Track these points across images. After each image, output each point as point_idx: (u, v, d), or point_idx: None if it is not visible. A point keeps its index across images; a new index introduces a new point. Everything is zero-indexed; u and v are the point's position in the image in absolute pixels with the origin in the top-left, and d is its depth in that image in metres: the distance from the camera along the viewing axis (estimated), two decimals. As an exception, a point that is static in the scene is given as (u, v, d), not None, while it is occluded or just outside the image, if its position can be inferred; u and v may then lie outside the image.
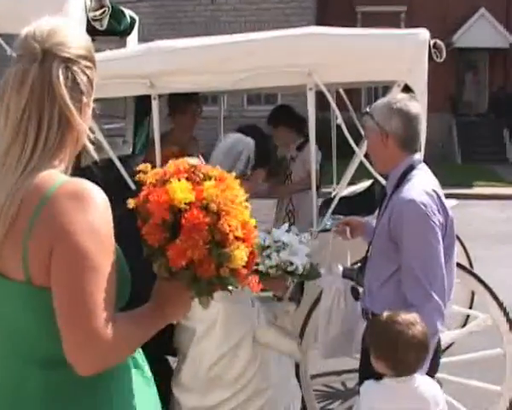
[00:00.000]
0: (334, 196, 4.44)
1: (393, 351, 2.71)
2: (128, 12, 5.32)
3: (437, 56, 4.08)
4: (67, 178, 1.73)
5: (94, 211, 1.66)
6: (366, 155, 3.85)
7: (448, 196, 3.33)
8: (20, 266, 1.65)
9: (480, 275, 4.27)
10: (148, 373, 2.02)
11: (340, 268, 3.82)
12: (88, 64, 1.81)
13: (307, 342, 4.22)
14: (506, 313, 4.14)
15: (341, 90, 5.75)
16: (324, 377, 5.34)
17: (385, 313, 2.80)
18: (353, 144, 4.20)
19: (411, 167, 3.20)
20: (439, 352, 3.27)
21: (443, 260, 3.05)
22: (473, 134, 24.17)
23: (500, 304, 4.15)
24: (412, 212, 3.02)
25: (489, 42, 24.95)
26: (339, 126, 4.28)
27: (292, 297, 4.40)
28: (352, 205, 4.97)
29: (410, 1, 24.62)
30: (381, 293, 3.21)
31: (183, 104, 5.07)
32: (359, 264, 3.71)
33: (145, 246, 1.79)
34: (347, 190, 5.47)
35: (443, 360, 3.67)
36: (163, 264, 1.76)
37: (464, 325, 5.36)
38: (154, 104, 4.22)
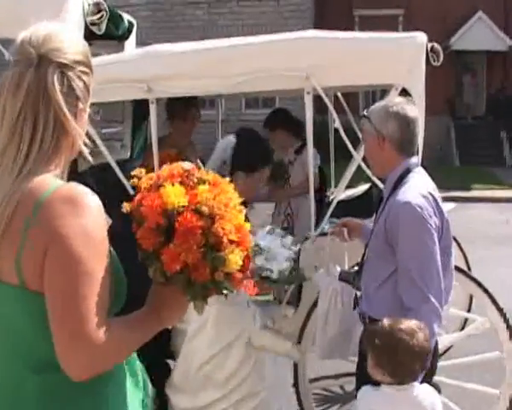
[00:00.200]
0: (332, 200, 4.44)
1: (397, 361, 2.68)
2: (126, 16, 5.32)
3: (434, 60, 4.09)
4: (62, 182, 1.74)
5: (88, 215, 1.66)
6: (364, 159, 3.86)
7: (446, 198, 3.34)
8: (14, 270, 1.66)
9: (479, 277, 4.27)
10: (141, 381, 2.03)
11: (338, 269, 3.82)
12: (84, 70, 1.81)
13: (306, 346, 4.22)
14: (504, 316, 4.14)
15: (339, 94, 5.75)
16: (323, 381, 5.34)
17: (386, 321, 2.77)
18: (351, 148, 4.21)
19: (408, 171, 3.20)
20: (436, 355, 3.27)
21: (439, 262, 3.05)
22: (471, 137, 24.19)
23: (498, 307, 4.15)
24: (408, 214, 3.03)
25: (487, 45, 24.99)
26: (337, 130, 4.29)
27: (290, 301, 4.41)
28: (349, 208, 4.96)
29: (408, 4, 24.65)
30: (378, 296, 3.22)
31: (183, 110, 5.07)
32: (356, 267, 3.71)
33: (140, 250, 1.80)
34: (345, 194, 5.47)
35: (441, 363, 3.67)
36: (158, 268, 1.77)
37: (463, 328, 5.36)
38: (152, 108, 4.22)
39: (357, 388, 3.49)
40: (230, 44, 4.32)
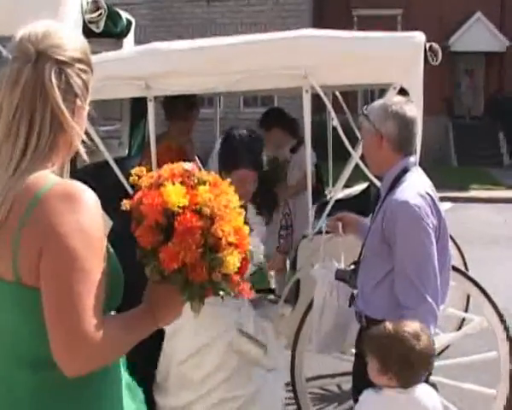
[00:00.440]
0: (330, 199, 4.44)
1: (406, 364, 2.62)
2: (124, 14, 5.32)
3: (433, 59, 4.09)
4: (59, 179, 1.73)
5: (84, 212, 1.66)
6: (362, 158, 3.86)
7: (444, 198, 3.34)
8: (10, 266, 1.65)
9: (476, 277, 4.27)
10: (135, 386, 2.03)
11: (335, 263, 3.81)
12: (83, 67, 1.80)
13: (302, 344, 4.22)
14: (501, 316, 4.14)
15: (337, 93, 5.75)
16: (320, 380, 5.35)
17: (388, 324, 2.72)
18: (349, 146, 4.21)
19: (405, 170, 3.20)
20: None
21: (436, 262, 3.05)
22: (469, 137, 24.20)
23: (495, 307, 4.15)
24: (405, 214, 3.02)
25: (485, 46, 25.03)
26: (335, 129, 4.28)
27: (287, 299, 4.41)
28: (347, 207, 4.96)
29: (407, 4, 24.66)
30: (375, 295, 3.21)
31: (184, 110, 5.07)
32: (353, 266, 3.71)
33: (138, 248, 1.80)
34: (343, 193, 5.47)
35: (438, 363, 3.67)
36: (155, 266, 1.77)
37: (460, 327, 5.37)
38: (150, 106, 4.22)
39: (354, 387, 3.50)
40: (229, 42, 4.31)
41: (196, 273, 1.74)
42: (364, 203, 5.04)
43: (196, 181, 1.86)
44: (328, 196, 5.53)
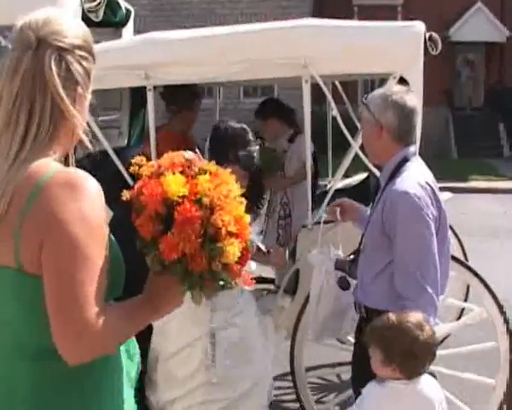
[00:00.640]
0: (329, 189, 4.44)
1: (410, 355, 2.61)
2: (123, 3, 5.31)
3: (432, 49, 4.08)
4: (61, 167, 1.72)
5: (86, 200, 1.65)
6: (362, 148, 3.85)
7: (444, 189, 3.33)
8: (12, 253, 1.65)
9: (475, 268, 4.27)
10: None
11: (332, 248, 3.80)
12: (84, 54, 1.78)
13: (302, 334, 4.22)
14: (500, 306, 4.14)
15: (337, 83, 5.74)
16: (319, 370, 5.36)
17: (391, 315, 2.71)
18: (349, 136, 4.20)
19: (405, 160, 3.19)
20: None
21: (436, 252, 3.04)
22: (469, 128, 24.20)
23: (495, 297, 4.15)
24: (405, 204, 3.02)
25: (485, 36, 24.99)
26: (334, 119, 4.27)
27: (287, 290, 4.41)
28: (347, 197, 4.96)
29: (407, -6, 24.64)
30: (374, 286, 3.21)
31: (188, 100, 5.05)
32: (352, 256, 3.71)
33: (138, 238, 1.79)
34: (342, 183, 5.47)
35: (438, 352, 3.67)
36: (155, 256, 1.76)
37: (459, 317, 5.37)
38: (150, 96, 4.21)
39: (354, 376, 3.50)
40: (228, 32, 4.30)
41: (196, 263, 1.73)
42: (364, 193, 5.04)
43: (197, 171, 1.85)
44: (328, 186, 5.53)
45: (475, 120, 25.09)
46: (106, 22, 4.85)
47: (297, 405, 4.42)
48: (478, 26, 24.49)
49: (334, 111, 4.28)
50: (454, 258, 3.92)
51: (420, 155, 3.41)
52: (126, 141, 5.80)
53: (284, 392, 4.98)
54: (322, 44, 4.03)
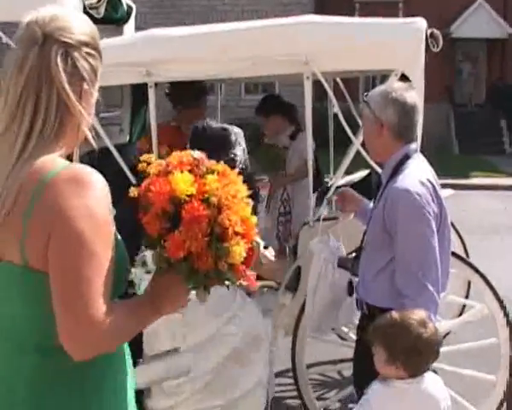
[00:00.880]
0: (331, 186, 4.44)
1: (414, 353, 2.61)
2: (125, 0, 5.30)
3: (434, 46, 4.07)
4: (67, 163, 1.72)
5: (92, 196, 1.65)
6: (363, 145, 3.85)
7: (445, 186, 3.33)
8: (18, 249, 1.65)
9: (476, 265, 4.27)
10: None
11: (332, 238, 3.80)
12: (90, 51, 1.79)
13: (303, 331, 4.23)
14: (501, 303, 4.15)
15: (339, 80, 5.73)
16: (320, 366, 5.36)
17: (394, 313, 2.71)
18: (350, 133, 4.20)
19: (407, 157, 3.18)
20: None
21: (437, 250, 3.04)
22: (470, 125, 24.15)
23: (496, 293, 4.15)
24: (406, 202, 3.02)
25: (487, 32, 24.93)
26: (336, 116, 4.27)
27: (288, 287, 4.41)
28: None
29: (408, -9, 24.58)
30: (376, 283, 3.21)
31: (196, 97, 5.04)
32: (354, 254, 3.71)
33: (145, 236, 1.80)
34: (344, 180, 5.46)
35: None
36: (161, 254, 1.76)
37: (460, 314, 5.37)
38: (151, 92, 4.21)
39: (355, 373, 3.50)
40: (229, 29, 4.30)
41: (202, 262, 1.74)
42: (365, 190, 5.04)
43: (205, 170, 1.86)
44: (329, 183, 5.52)
45: (477, 116, 25.04)
46: (107, 19, 4.85)
47: (298, 401, 4.43)
48: (479, 23, 24.43)
49: (335, 108, 4.28)
50: (455, 255, 3.93)
51: (421, 151, 3.41)
52: (128, 138, 5.80)
53: (285, 389, 4.98)
54: (323, 41, 4.03)
